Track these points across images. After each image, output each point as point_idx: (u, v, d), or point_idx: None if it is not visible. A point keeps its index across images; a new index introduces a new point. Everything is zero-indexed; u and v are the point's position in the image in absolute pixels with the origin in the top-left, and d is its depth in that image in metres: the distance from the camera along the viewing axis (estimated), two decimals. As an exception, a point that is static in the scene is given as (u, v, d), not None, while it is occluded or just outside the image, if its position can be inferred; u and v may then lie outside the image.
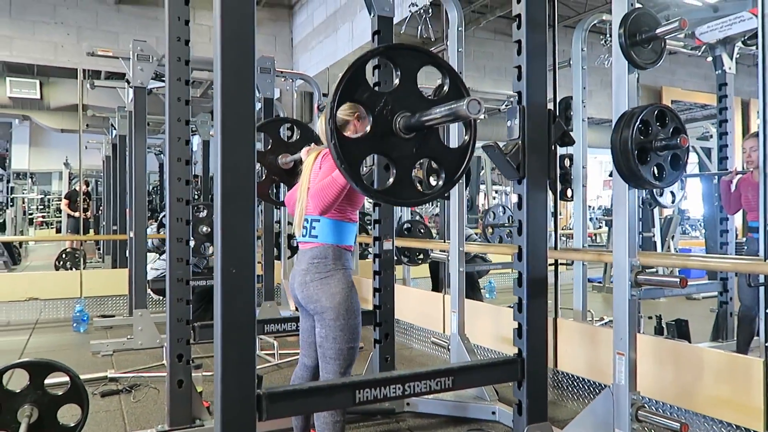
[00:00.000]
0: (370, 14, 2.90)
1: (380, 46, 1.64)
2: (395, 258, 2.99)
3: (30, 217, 15.55)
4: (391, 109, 1.61)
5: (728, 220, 4.05)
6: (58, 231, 14.65)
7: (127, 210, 5.28)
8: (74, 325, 5.11)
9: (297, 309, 2.36)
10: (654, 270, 4.68)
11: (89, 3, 7.03)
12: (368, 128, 1.59)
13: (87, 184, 11.11)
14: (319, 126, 2.33)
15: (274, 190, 3.18)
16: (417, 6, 5.13)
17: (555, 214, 3.64)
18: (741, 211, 3.88)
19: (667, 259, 3.79)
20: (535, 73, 2.00)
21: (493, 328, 3.62)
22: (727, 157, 4.12)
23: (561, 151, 4.16)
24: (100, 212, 10.85)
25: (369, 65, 2.80)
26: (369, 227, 6.14)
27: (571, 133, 2.78)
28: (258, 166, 2.98)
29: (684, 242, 8.80)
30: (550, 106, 2.34)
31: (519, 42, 2.01)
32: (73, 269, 7.36)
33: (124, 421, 2.93)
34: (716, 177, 4.18)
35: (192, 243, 2.67)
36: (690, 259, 3.26)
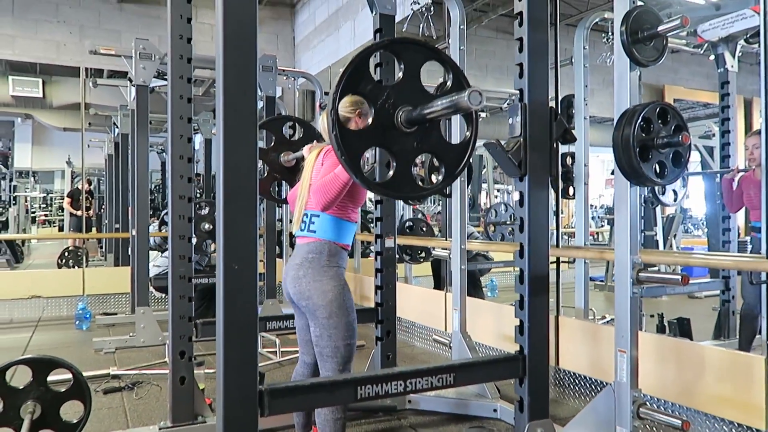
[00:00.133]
0: (372, 12, 2.90)
1: (385, 39, 1.65)
2: (397, 256, 3.00)
3: (33, 215, 15.58)
4: (394, 102, 1.61)
5: (730, 218, 4.04)
6: (61, 229, 14.70)
7: (130, 209, 5.29)
8: (77, 322, 5.13)
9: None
10: (656, 268, 4.68)
11: (92, 2, 7.04)
12: (370, 120, 1.59)
13: (89, 182, 11.15)
14: (321, 124, 2.33)
15: (276, 188, 3.18)
16: (419, 4, 5.13)
17: (557, 212, 3.65)
18: (743, 209, 3.87)
19: (669, 256, 3.79)
20: (536, 71, 2.00)
21: (494, 326, 3.62)
22: (730, 155, 4.11)
23: (563, 149, 4.16)
24: (102, 210, 10.88)
25: (371, 63, 2.80)
26: (371, 225, 6.13)
27: (572, 130, 2.78)
28: (260, 163, 2.99)
29: (686, 241, 8.79)
30: (552, 104, 2.33)
31: (521, 40, 2.01)
32: (76, 267, 7.38)
33: (126, 418, 2.94)
34: (718, 175, 4.17)
35: (194, 240, 2.67)
36: (692, 256, 3.26)
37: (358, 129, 2.05)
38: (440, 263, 5.18)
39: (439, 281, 5.48)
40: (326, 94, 6.48)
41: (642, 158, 2.11)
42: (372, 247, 3.20)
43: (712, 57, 4.30)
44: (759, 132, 3.17)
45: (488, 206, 7.62)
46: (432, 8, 5.29)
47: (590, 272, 3.80)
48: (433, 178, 3.42)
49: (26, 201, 14.32)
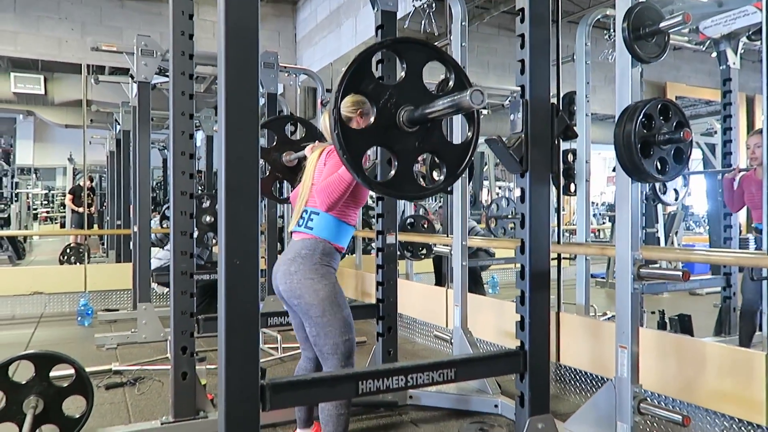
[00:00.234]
0: (373, 9, 2.90)
1: (388, 38, 1.66)
2: (398, 253, 3.00)
3: (34, 212, 15.60)
4: (396, 102, 1.62)
5: (731, 215, 4.05)
6: (62, 226, 14.70)
7: (131, 207, 5.29)
8: (79, 318, 5.14)
9: None
10: (657, 264, 4.68)
11: (93, -2, 7.05)
12: (372, 119, 1.60)
13: (91, 179, 11.16)
14: (322, 123, 2.34)
15: (277, 185, 3.19)
16: (421, 1, 5.13)
17: (558, 209, 3.65)
18: (744, 208, 3.86)
19: (670, 253, 3.79)
20: (538, 67, 2.00)
21: (495, 322, 3.63)
22: (731, 152, 4.11)
23: (564, 146, 4.16)
24: (104, 207, 10.89)
25: (373, 61, 2.80)
26: (372, 221, 6.14)
27: (574, 127, 2.78)
28: (261, 162, 3.01)
29: (688, 238, 8.79)
30: (554, 100, 2.34)
31: (522, 36, 2.01)
32: (78, 264, 7.40)
33: (128, 413, 2.95)
34: (720, 174, 4.16)
35: (195, 233, 2.68)
36: (693, 253, 3.26)
37: (359, 128, 2.06)
38: (442, 260, 5.18)
39: (441, 278, 5.49)
40: (328, 91, 6.49)
41: (643, 154, 2.11)
42: (373, 244, 3.21)
43: (714, 54, 4.30)
44: (761, 131, 3.16)
45: (489, 202, 7.61)
46: (434, 5, 5.29)
47: (591, 269, 3.80)
48: (435, 175, 3.42)
49: (28, 198, 14.34)
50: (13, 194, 11.83)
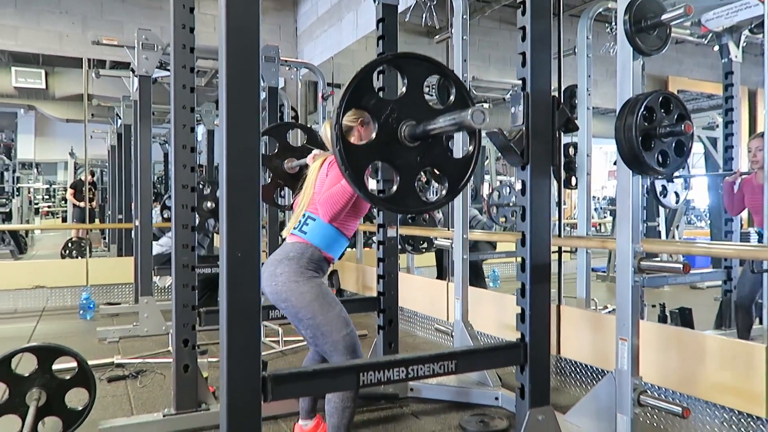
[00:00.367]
0: (374, 2, 2.89)
1: (389, 54, 1.66)
2: (399, 246, 3.01)
3: (36, 206, 15.61)
4: (397, 117, 1.62)
5: (732, 208, 4.04)
6: (64, 220, 14.71)
7: (132, 204, 5.30)
8: (81, 312, 5.16)
9: None
10: (658, 258, 4.68)
11: (94, -8, 7.03)
12: (373, 135, 1.60)
13: (92, 174, 11.17)
14: (323, 132, 2.35)
15: (278, 189, 3.20)
16: (422, -6, 5.11)
17: (559, 202, 3.64)
18: (745, 211, 3.84)
19: (671, 246, 3.79)
20: (539, 60, 1.99)
21: (496, 316, 3.64)
22: (733, 146, 4.10)
23: (565, 139, 4.16)
24: (105, 202, 10.90)
25: (372, 51, 2.80)
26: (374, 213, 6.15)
27: (575, 120, 2.78)
28: (264, 169, 3.03)
29: (689, 232, 8.79)
30: (555, 94, 2.34)
31: (523, 28, 2.01)
32: (79, 258, 7.41)
33: (130, 405, 2.97)
34: (722, 178, 4.14)
35: (196, 219, 2.68)
36: (694, 245, 3.26)
37: (361, 140, 2.06)
38: (443, 253, 5.18)
39: (442, 271, 5.49)
40: (329, 84, 6.48)
41: (644, 147, 2.11)
42: (374, 237, 3.21)
43: (716, 47, 4.28)
44: (762, 134, 3.15)
45: (490, 190, 7.55)
46: (435, -2, 5.27)
47: (592, 263, 3.80)
48: (434, 181, 3.42)
49: (29, 192, 14.35)
50: (15, 189, 11.83)
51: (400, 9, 2.95)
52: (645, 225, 4.14)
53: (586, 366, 3.09)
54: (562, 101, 2.75)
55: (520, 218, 2.04)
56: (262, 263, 3.42)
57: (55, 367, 2.45)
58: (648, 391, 2.20)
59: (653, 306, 4.09)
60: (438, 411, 2.85)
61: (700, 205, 10.12)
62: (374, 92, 1.61)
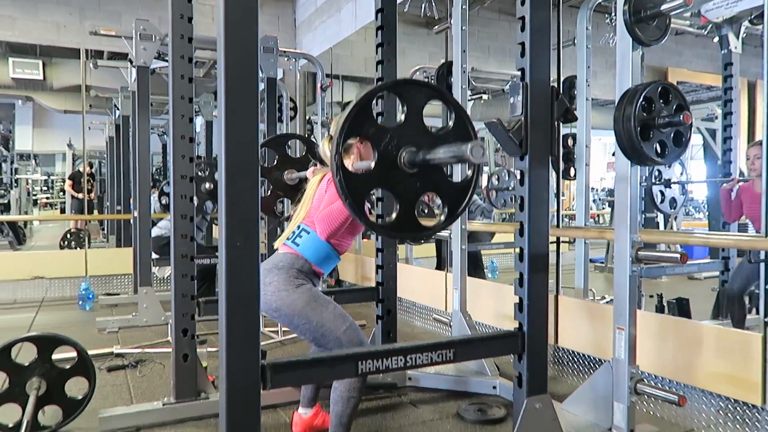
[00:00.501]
0: (373, -9, 2.88)
1: (388, 81, 1.67)
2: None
3: (34, 198, 15.58)
4: (397, 144, 1.63)
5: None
6: (63, 212, 14.70)
7: (132, 193, 5.29)
8: (80, 302, 5.17)
9: None
10: (656, 248, 4.69)
11: (92, -18, 6.99)
12: (372, 164, 1.61)
13: (90, 165, 11.15)
14: (321, 150, 2.35)
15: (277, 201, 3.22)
16: (421, -16, 5.09)
17: (557, 193, 3.65)
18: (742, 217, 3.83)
19: (669, 236, 3.80)
20: (538, 50, 1.99)
21: (494, 306, 3.65)
22: (731, 137, 4.10)
23: (564, 130, 4.16)
24: (103, 193, 10.90)
25: (371, 42, 2.80)
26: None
27: (574, 110, 2.77)
28: (264, 181, 3.05)
29: (687, 223, 8.80)
30: (554, 84, 2.34)
31: (522, 18, 2.00)
32: (78, 249, 7.42)
33: (130, 394, 2.98)
34: (720, 184, 4.13)
35: (195, 201, 2.68)
36: (692, 236, 3.27)
37: (361, 158, 2.06)
38: (442, 243, 5.18)
39: (441, 261, 5.50)
40: (327, 76, 6.47)
41: (643, 137, 2.11)
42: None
43: (716, 39, 4.27)
44: (760, 143, 3.14)
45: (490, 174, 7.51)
46: (434, -12, 5.25)
47: (590, 254, 3.81)
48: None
49: (28, 183, 14.31)
50: (13, 180, 11.81)
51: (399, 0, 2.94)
52: (643, 216, 4.15)
53: (584, 355, 3.11)
54: (561, 92, 2.75)
55: (518, 208, 2.05)
56: (262, 253, 3.43)
57: (54, 356, 2.46)
58: (645, 380, 2.21)
59: (651, 296, 4.11)
60: (436, 400, 2.87)
61: (698, 196, 10.13)
62: (374, 120, 1.62)
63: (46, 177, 17.09)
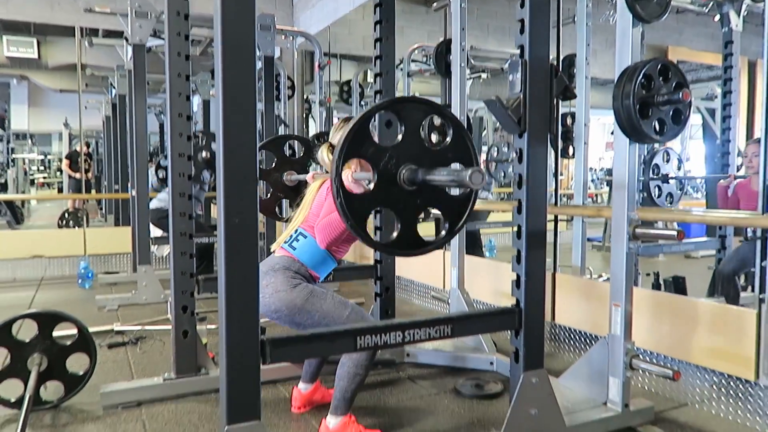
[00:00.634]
0: (371, -33, 2.85)
1: (385, 101, 1.67)
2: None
3: (31, 177, 15.52)
4: (396, 162, 1.64)
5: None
6: (60, 191, 14.67)
7: (130, 186, 5.27)
8: (79, 281, 5.19)
9: None
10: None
11: (85, -42, 6.89)
12: (371, 186, 1.62)
13: (87, 145, 11.10)
14: (320, 156, 2.35)
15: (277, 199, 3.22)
16: (419, -40, 5.03)
17: (556, 171, 3.65)
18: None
19: (666, 213, 3.81)
20: (538, 27, 1.98)
21: (492, 284, 3.67)
22: (731, 116, 4.09)
23: (563, 109, 4.15)
24: (100, 173, 10.87)
25: (369, 20, 2.77)
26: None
27: (573, 88, 2.76)
28: (263, 183, 3.05)
29: (685, 203, 8.81)
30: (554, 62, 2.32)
31: (522, -6, 1.99)
32: (76, 228, 7.42)
33: (131, 370, 3.01)
34: (717, 180, 4.13)
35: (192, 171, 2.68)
36: (689, 214, 3.29)
37: (360, 167, 2.05)
38: (440, 222, 5.17)
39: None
40: (325, 54, 6.41)
41: (642, 115, 2.11)
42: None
43: (716, 17, 4.24)
44: (759, 140, 3.14)
45: (489, 145, 7.48)
46: (433, -35, 5.18)
47: (588, 233, 3.83)
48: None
49: (24, 163, 14.25)
50: (9, 159, 11.76)
51: (397, -25, 2.91)
52: (642, 195, 4.16)
53: (580, 332, 3.14)
54: (560, 70, 2.74)
55: (516, 186, 2.05)
56: (261, 232, 3.44)
57: (55, 333, 2.48)
58: (640, 356, 2.24)
59: (648, 274, 4.13)
60: (434, 375, 2.90)
61: (696, 176, 10.12)
62: (372, 140, 1.62)
63: (42, 157, 17.02)
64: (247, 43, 1.51)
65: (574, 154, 3.80)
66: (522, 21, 1.99)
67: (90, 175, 10.32)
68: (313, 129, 6.94)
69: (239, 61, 1.50)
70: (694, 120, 10.31)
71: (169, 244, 2.69)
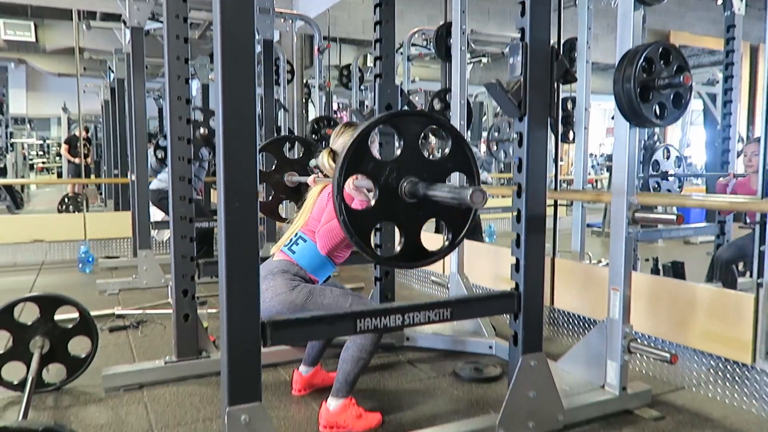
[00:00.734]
0: (371, -51, 2.82)
1: (384, 114, 1.67)
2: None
3: (30, 162, 15.49)
4: (396, 176, 1.65)
5: (729, 163, 4.05)
6: (59, 176, 14.65)
7: (129, 171, 5.25)
8: (80, 265, 5.20)
9: None
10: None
11: (82, -60, 6.81)
12: (373, 202, 1.64)
13: (87, 129, 11.06)
14: (321, 161, 2.36)
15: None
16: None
17: (556, 156, 3.64)
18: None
19: (666, 198, 3.81)
20: (538, 9, 1.96)
21: (491, 268, 3.69)
22: (732, 100, 4.08)
23: (564, 93, 4.13)
24: (100, 158, 10.84)
25: (369, 3, 2.75)
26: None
27: (574, 72, 2.75)
28: (264, 185, 3.05)
29: (685, 189, 8.82)
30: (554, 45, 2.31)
31: (523, -24, 1.97)
32: (76, 213, 7.43)
33: (132, 353, 3.03)
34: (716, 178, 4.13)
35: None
36: (688, 198, 3.29)
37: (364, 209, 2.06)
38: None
39: (440, 224, 5.51)
40: (325, 38, 6.37)
41: (642, 99, 2.10)
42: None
43: (719, 1, 4.21)
44: (758, 139, 3.13)
45: (490, 125, 7.46)
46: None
47: (588, 219, 3.83)
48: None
49: (23, 148, 14.21)
50: (8, 144, 11.73)
51: (398, -43, 2.88)
52: (642, 180, 4.16)
53: (579, 317, 3.16)
54: (561, 53, 2.73)
55: (516, 170, 2.05)
56: (261, 217, 3.45)
57: (57, 317, 2.49)
58: (638, 340, 2.26)
59: (647, 260, 4.14)
60: (433, 359, 2.92)
61: (697, 162, 10.12)
62: (372, 156, 1.63)
63: (41, 141, 16.97)
64: (246, 26, 1.50)
65: (574, 138, 3.80)
66: (523, 3, 1.98)
67: (89, 160, 10.30)
68: (313, 113, 6.91)
69: (238, 44, 1.50)
70: (695, 106, 10.29)
71: (169, 228, 2.70)
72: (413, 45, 6.43)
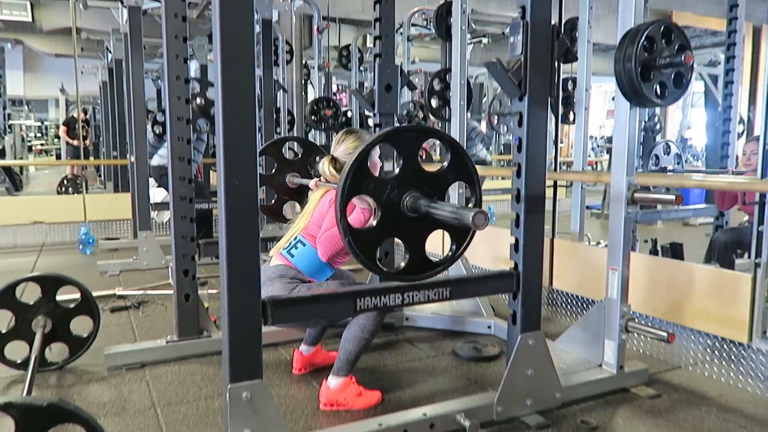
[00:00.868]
0: (371, -74, 2.79)
1: (382, 133, 1.67)
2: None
3: (29, 144, 15.42)
4: (398, 192, 1.67)
5: (729, 145, 4.05)
6: (58, 158, 14.61)
7: (129, 152, 5.23)
8: (80, 247, 5.22)
9: None
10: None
11: None
12: (374, 222, 1.66)
13: (85, 111, 11.00)
14: (322, 168, 2.35)
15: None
16: None
17: (556, 137, 3.63)
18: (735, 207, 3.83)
19: (665, 178, 3.81)
20: (540, -13, 1.95)
21: (491, 250, 3.70)
22: (733, 81, 4.06)
23: (564, 74, 4.11)
24: (98, 139, 10.81)
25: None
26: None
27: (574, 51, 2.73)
28: (265, 189, 3.05)
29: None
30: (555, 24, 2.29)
31: (524, -47, 1.95)
32: (76, 195, 7.42)
33: (134, 333, 3.06)
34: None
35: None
36: (687, 178, 3.29)
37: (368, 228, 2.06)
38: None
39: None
40: (324, 18, 6.32)
41: (643, 78, 2.09)
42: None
43: (722, -21, 4.17)
44: (757, 138, 3.12)
45: (491, 99, 7.40)
46: (434, -75, 5.06)
47: (587, 201, 3.83)
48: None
49: (21, 130, 14.15)
50: (6, 126, 11.69)
51: (397, -64, 2.85)
52: (641, 162, 4.16)
53: (577, 297, 3.17)
54: (561, 32, 2.71)
55: (516, 150, 2.05)
56: (261, 198, 3.45)
57: (58, 297, 2.50)
58: (635, 319, 2.27)
59: (645, 241, 4.15)
60: (432, 339, 2.95)
61: (697, 144, 10.10)
62: (372, 176, 1.64)
63: (39, 123, 16.90)
64: (245, 5, 1.49)
65: (574, 119, 3.78)
66: (524, -19, 1.96)
67: (88, 141, 10.26)
68: (312, 94, 6.87)
69: (238, 23, 1.49)
70: (696, 87, 10.23)
71: (168, 210, 2.70)
72: (413, 25, 6.38)
